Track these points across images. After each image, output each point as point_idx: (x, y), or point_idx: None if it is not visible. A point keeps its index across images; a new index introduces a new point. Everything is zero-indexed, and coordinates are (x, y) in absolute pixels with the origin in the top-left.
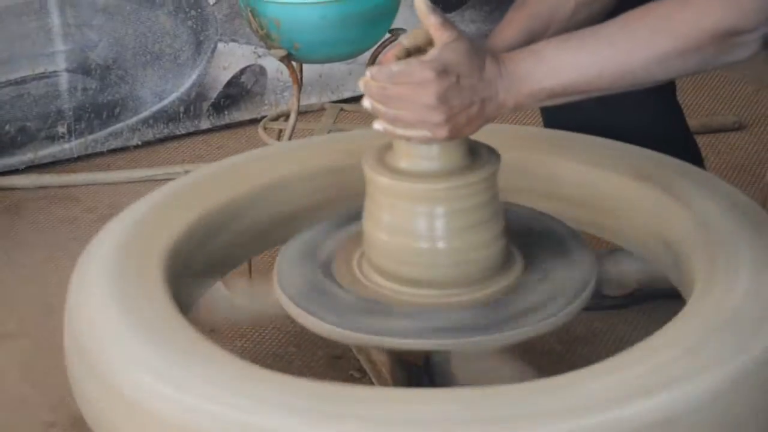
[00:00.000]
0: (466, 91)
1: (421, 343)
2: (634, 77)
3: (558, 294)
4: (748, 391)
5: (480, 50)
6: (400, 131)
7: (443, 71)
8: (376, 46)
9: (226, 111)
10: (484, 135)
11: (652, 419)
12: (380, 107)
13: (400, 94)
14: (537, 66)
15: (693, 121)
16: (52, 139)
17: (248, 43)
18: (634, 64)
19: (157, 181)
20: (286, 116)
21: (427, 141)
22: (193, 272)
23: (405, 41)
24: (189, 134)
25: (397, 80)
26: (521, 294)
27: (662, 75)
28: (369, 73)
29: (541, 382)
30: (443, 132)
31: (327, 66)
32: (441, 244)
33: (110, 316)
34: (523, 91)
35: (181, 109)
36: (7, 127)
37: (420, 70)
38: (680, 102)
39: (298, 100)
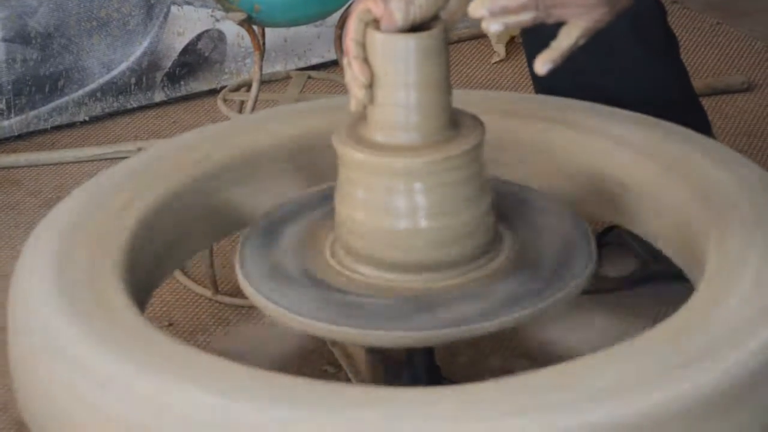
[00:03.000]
0: None
1: (405, 337)
2: None
3: (553, 277)
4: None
5: None
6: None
7: None
8: (345, 6)
9: (182, 81)
10: (467, 101)
11: (658, 413)
12: (522, 18)
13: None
14: None
15: (697, 82)
16: None
17: (204, 5)
18: None
19: (107, 160)
20: (248, 86)
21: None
22: (150, 259)
23: (363, 18)
24: (141, 108)
25: None
26: (511, 278)
27: None
28: None
29: (536, 375)
30: (603, 17)
31: (292, 30)
32: (422, 224)
33: (58, 315)
34: None
35: (132, 80)
36: None
37: None
38: (684, 61)
39: (261, 68)
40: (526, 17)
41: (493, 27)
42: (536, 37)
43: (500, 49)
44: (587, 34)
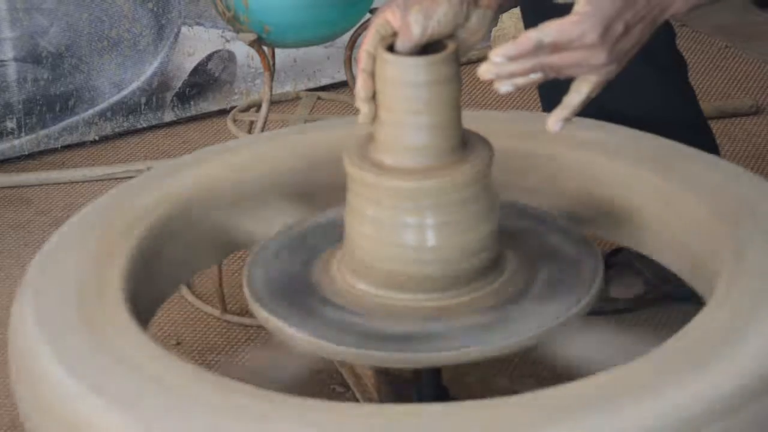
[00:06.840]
0: (635, 30)
1: (414, 358)
2: None
3: (560, 297)
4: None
5: None
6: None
7: (607, 27)
8: (355, 28)
9: (192, 101)
10: (475, 122)
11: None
12: (532, 77)
13: (565, 61)
14: None
15: (706, 105)
16: (0, 135)
17: (215, 26)
18: None
19: (116, 179)
20: (258, 106)
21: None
22: (154, 278)
23: (381, 30)
24: (151, 127)
25: (558, 49)
26: (518, 298)
27: None
28: (498, 58)
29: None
30: (612, 72)
31: (302, 50)
32: (430, 242)
33: (63, 333)
34: None
35: (143, 100)
36: None
37: (582, 35)
38: (692, 84)
39: (271, 89)
40: (535, 77)
41: (503, 89)
42: None
43: None
44: (598, 88)
